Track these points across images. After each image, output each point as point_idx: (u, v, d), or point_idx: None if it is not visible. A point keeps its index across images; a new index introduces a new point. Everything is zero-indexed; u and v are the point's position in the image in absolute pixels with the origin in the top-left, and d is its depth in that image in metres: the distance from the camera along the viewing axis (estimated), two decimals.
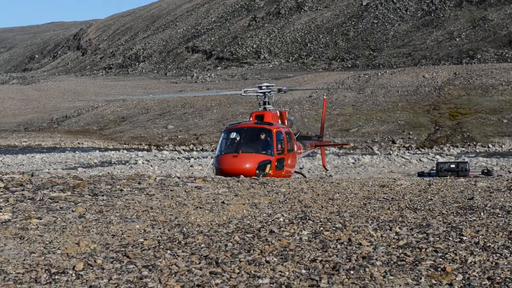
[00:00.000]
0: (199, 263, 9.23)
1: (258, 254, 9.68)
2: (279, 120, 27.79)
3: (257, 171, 23.91)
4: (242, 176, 22.83)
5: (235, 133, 25.27)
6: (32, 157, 55.79)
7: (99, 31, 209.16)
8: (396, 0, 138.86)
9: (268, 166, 24.47)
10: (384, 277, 8.65)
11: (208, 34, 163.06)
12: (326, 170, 38.72)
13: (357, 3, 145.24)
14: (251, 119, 26.93)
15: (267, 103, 28.16)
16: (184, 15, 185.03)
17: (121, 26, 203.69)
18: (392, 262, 9.31)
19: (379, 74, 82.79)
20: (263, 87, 28.49)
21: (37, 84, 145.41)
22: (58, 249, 9.83)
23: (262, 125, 25.76)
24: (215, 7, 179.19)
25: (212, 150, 60.80)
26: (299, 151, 29.32)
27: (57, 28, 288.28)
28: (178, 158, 53.95)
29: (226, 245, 10.22)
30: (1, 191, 14.20)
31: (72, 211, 12.56)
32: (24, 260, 9.12)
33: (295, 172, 28.95)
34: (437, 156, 48.80)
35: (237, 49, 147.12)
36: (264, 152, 24.83)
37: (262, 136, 25.34)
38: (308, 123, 36.06)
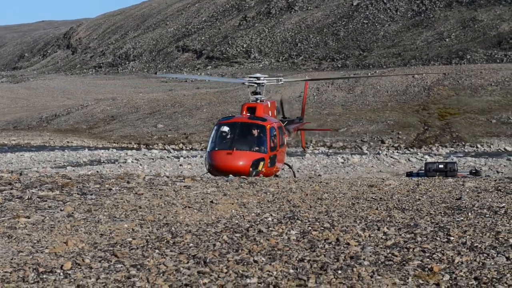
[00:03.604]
0: (187, 262, 9.24)
1: (246, 254, 9.70)
2: (270, 112, 27.73)
3: (251, 169, 23.91)
4: (235, 173, 22.86)
5: (229, 128, 25.11)
6: (21, 155, 55.64)
7: (89, 30, 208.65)
8: (387, 0, 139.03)
9: (262, 163, 24.46)
10: (371, 277, 8.68)
11: (198, 33, 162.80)
12: (304, 150, 38.87)
13: (348, 4, 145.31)
14: (243, 112, 26.76)
15: (258, 93, 28.08)
16: (174, 15, 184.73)
17: (112, 25, 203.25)
18: (379, 262, 9.33)
19: (369, 74, 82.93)
20: (261, 78, 28.47)
21: (26, 83, 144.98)
22: (46, 248, 9.82)
23: (256, 121, 25.63)
24: (205, 7, 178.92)
25: (202, 149, 60.72)
26: (286, 139, 29.42)
27: (47, 27, 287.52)
28: (167, 157, 53.91)
29: (214, 245, 10.23)
30: None
31: (61, 210, 12.54)
32: (11, 259, 9.11)
33: (284, 163, 29.04)
34: (426, 156, 48.93)
35: (227, 48, 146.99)
36: (257, 149, 24.80)
37: (256, 133, 25.27)
38: (293, 112, 35.97)
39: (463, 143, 57.71)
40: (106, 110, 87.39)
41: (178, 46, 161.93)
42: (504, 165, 41.79)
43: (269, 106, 28.16)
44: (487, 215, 12.40)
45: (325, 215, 12.69)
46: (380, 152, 53.82)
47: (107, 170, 41.61)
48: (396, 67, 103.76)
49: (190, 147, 65.43)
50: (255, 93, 28.23)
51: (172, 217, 12.32)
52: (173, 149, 64.18)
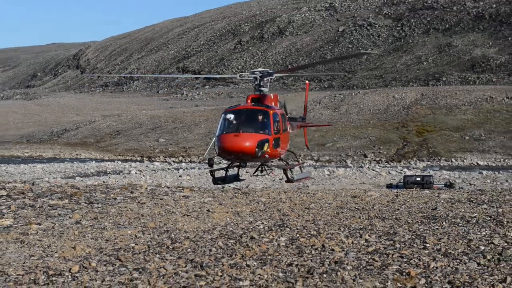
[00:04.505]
0: (185, 266, 9.24)
1: (240, 259, 9.70)
2: (272, 103, 27.70)
3: (257, 149, 23.87)
4: (242, 153, 22.71)
5: (235, 114, 25.14)
6: (33, 166, 55.46)
7: (97, 52, 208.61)
8: (369, 27, 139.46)
9: (266, 144, 24.40)
10: (354, 280, 8.70)
11: (197, 55, 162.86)
12: (308, 148, 38.65)
13: (334, 29, 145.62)
14: (248, 101, 26.83)
15: (261, 86, 28.06)
16: (175, 38, 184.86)
17: (118, 48, 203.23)
18: (361, 266, 9.35)
19: (353, 94, 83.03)
20: (257, 72, 28.47)
21: (39, 100, 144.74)
22: (55, 252, 9.82)
23: (260, 107, 25.69)
24: (204, 31, 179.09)
25: (200, 162, 60.70)
26: (290, 131, 29.42)
27: (58, 49, 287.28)
28: (168, 169, 53.82)
29: (210, 250, 10.23)
30: (4, 199, 14.17)
31: (69, 217, 12.54)
32: (24, 263, 9.10)
33: (288, 150, 28.91)
34: (405, 169, 48.92)
35: (224, 69, 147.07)
36: (262, 131, 24.77)
37: (260, 117, 25.27)
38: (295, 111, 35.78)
39: (439, 158, 57.77)
40: (112, 125, 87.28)
41: (178, 67, 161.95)
42: (476, 178, 41.83)
43: (272, 98, 28.14)
44: (460, 224, 12.43)
45: (312, 223, 12.70)
46: (363, 165, 53.81)
47: (113, 180, 41.49)
48: (378, 87, 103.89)
49: (189, 159, 65.34)
50: (259, 86, 28.23)
51: (172, 224, 12.32)
52: (173, 161, 64.07)
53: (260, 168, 29.14)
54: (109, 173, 51.42)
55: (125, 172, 50.54)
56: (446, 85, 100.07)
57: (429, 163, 56.45)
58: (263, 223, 12.60)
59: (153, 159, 66.58)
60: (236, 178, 26.97)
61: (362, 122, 70.07)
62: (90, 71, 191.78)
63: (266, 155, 24.72)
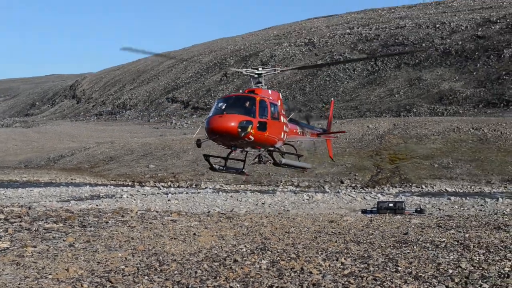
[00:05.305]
0: None
1: (224, 280, 9.62)
2: (270, 97, 27.32)
3: (239, 129, 23.58)
4: (225, 132, 22.39)
5: (224, 100, 25.07)
6: (30, 190, 55.01)
7: (92, 83, 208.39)
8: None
9: (250, 126, 24.06)
10: None
11: (185, 87, 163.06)
12: (333, 160, 37.89)
13: (312, 63, 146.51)
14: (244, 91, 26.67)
15: (260, 82, 27.85)
16: (165, 71, 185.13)
17: (111, 79, 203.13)
18: None
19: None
20: (259, 69, 28.30)
21: (37, 128, 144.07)
22: (49, 274, 9.69)
23: (248, 94, 25.52)
24: (192, 65, 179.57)
25: (187, 187, 60.50)
26: (295, 130, 28.95)
27: (56, 80, 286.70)
28: (157, 193, 53.56)
29: (196, 272, 10.15)
30: (2, 222, 14.01)
31: (63, 240, 12.41)
32: (19, 284, 8.97)
33: (287, 143, 28.19)
34: (379, 195, 48.98)
35: (210, 100, 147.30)
36: (246, 114, 24.54)
37: (247, 102, 25.06)
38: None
39: (410, 184, 57.90)
40: (105, 152, 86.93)
41: (168, 97, 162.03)
42: (445, 204, 41.94)
43: (270, 93, 27.77)
44: (430, 249, 12.41)
45: (292, 247, 12.65)
46: (340, 191, 53.83)
47: (105, 204, 41.21)
48: (354, 118, 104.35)
49: (178, 184, 65.10)
50: (257, 82, 28.03)
51: (160, 247, 12.22)
52: (162, 186, 63.81)
53: (258, 159, 28.58)
54: (102, 197, 51.06)
55: (117, 196, 50.20)
56: (417, 116, 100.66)
57: (401, 189, 56.55)
58: (246, 247, 12.54)
59: (143, 184, 66.25)
60: (238, 170, 26.53)
61: (339, 150, 70.21)
62: (86, 101, 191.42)
63: (251, 137, 24.25)
